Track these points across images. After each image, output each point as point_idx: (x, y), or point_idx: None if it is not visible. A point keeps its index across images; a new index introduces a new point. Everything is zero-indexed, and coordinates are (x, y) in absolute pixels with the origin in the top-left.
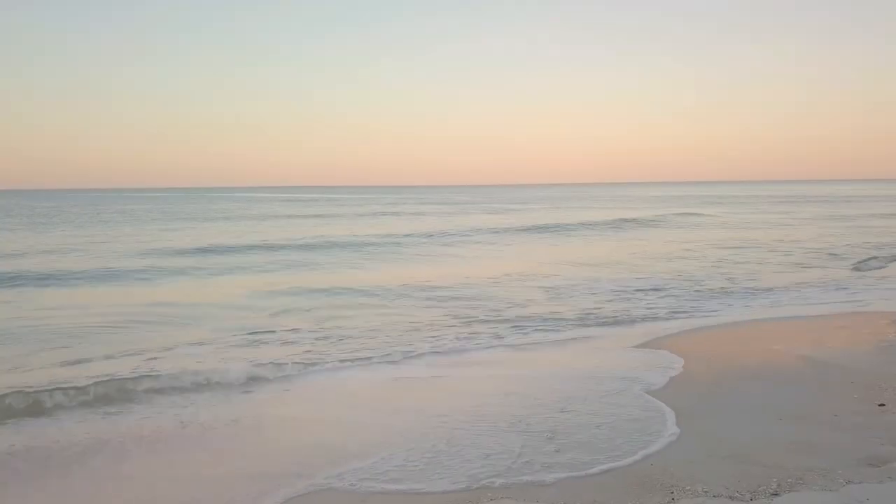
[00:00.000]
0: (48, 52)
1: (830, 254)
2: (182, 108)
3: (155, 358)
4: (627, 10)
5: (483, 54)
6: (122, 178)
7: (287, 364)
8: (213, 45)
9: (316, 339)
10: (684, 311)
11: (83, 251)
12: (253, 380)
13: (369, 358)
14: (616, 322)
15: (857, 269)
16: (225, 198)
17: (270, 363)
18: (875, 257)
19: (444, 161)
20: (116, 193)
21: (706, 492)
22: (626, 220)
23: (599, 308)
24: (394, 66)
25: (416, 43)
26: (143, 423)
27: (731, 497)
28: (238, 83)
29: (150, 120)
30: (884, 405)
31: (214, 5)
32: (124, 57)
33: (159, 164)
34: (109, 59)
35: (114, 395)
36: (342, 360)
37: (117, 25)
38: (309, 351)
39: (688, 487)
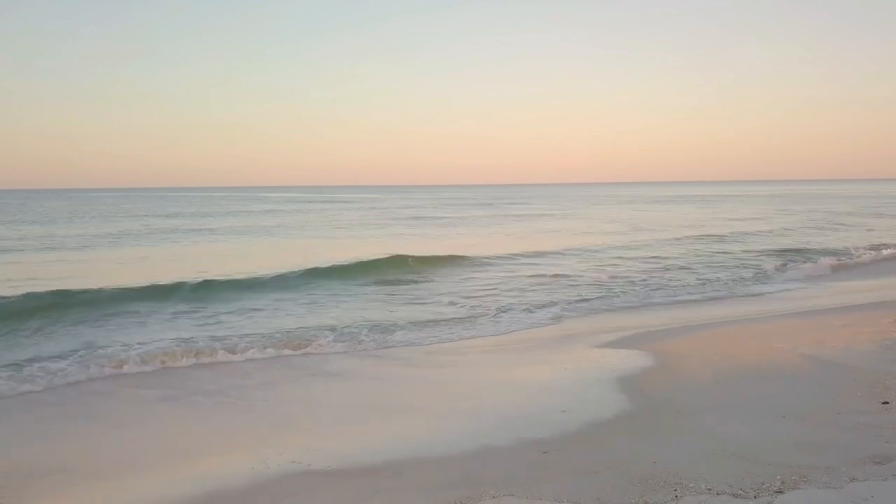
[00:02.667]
0: (48, 52)
1: None
2: (183, 108)
3: None
4: (628, 9)
5: (484, 54)
6: (122, 179)
7: None
8: (214, 45)
9: None
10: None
11: None
12: None
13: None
14: None
15: None
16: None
17: None
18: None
19: (445, 161)
20: (125, 193)
21: (710, 489)
22: None
23: None
24: (396, 66)
25: (417, 43)
26: None
27: (734, 495)
28: (238, 83)
29: (150, 120)
30: (887, 403)
31: (216, 5)
32: (125, 57)
33: (159, 165)
34: (110, 60)
35: None
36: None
37: (117, 26)
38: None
39: (691, 485)
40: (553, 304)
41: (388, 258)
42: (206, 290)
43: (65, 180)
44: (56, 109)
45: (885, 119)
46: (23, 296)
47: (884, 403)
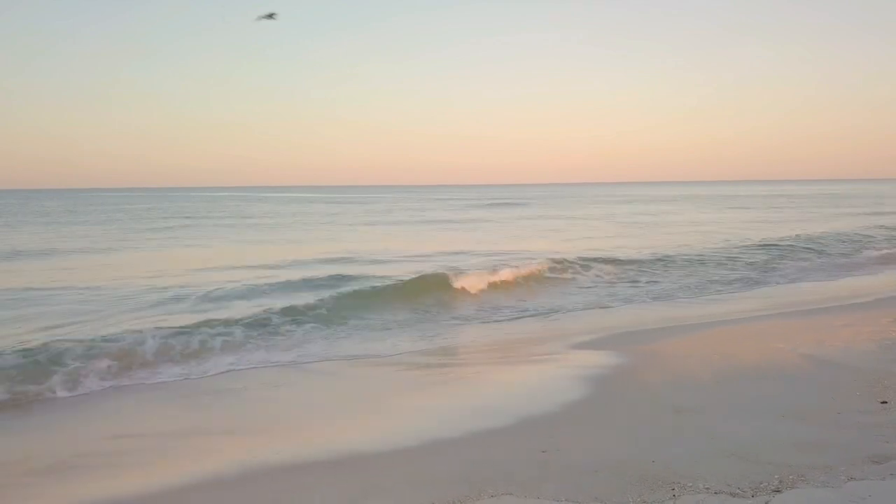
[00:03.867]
0: (48, 52)
1: None
2: (183, 108)
3: None
4: (628, 9)
5: (484, 54)
6: (123, 179)
7: None
8: (214, 45)
9: None
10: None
11: None
12: None
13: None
14: None
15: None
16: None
17: None
18: None
19: (445, 161)
20: (129, 193)
21: (707, 488)
22: None
23: None
24: (396, 66)
25: (417, 43)
26: None
27: (732, 494)
28: (238, 83)
29: (150, 120)
30: (886, 402)
31: (216, 5)
32: (125, 57)
33: (159, 164)
34: (110, 60)
35: None
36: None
37: (118, 26)
38: None
39: (689, 484)
40: (557, 306)
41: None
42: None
43: (65, 180)
44: (56, 109)
45: (885, 119)
46: None
47: (883, 403)
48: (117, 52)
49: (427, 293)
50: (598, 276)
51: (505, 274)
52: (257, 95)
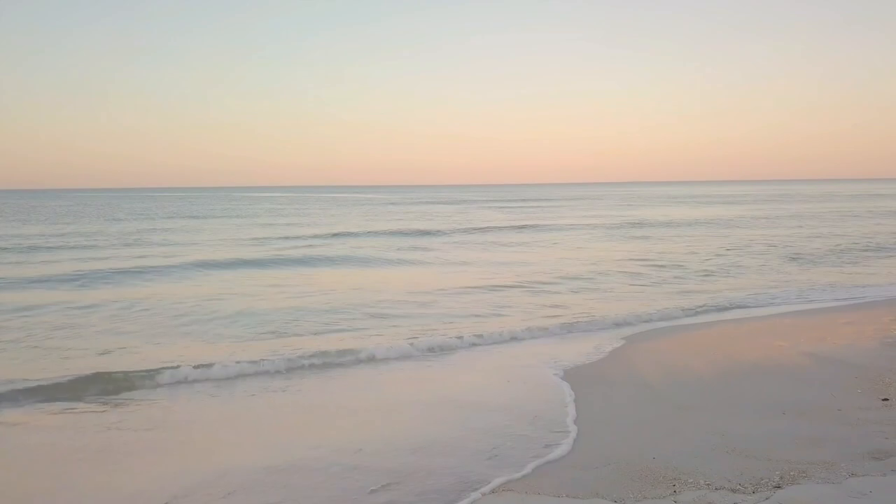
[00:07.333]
0: (47, 51)
1: None
2: (182, 108)
3: None
4: (632, 9)
5: (484, 54)
6: (121, 179)
7: None
8: (214, 45)
9: None
10: None
11: None
12: None
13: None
14: None
15: None
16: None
17: None
18: None
19: (444, 161)
20: (127, 193)
21: (708, 484)
22: None
23: None
24: (396, 65)
25: (417, 42)
26: None
27: (733, 490)
28: (237, 83)
29: (149, 120)
30: (888, 400)
31: (216, 5)
32: (126, 56)
33: (159, 165)
34: (109, 60)
35: None
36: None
37: (115, 25)
38: None
39: (690, 480)
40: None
41: None
42: None
43: (64, 181)
44: (54, 108)
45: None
46: None
47: (884, 400)
48: (116, 52)
49: None
50: None
51: None
52: (255, 94)
